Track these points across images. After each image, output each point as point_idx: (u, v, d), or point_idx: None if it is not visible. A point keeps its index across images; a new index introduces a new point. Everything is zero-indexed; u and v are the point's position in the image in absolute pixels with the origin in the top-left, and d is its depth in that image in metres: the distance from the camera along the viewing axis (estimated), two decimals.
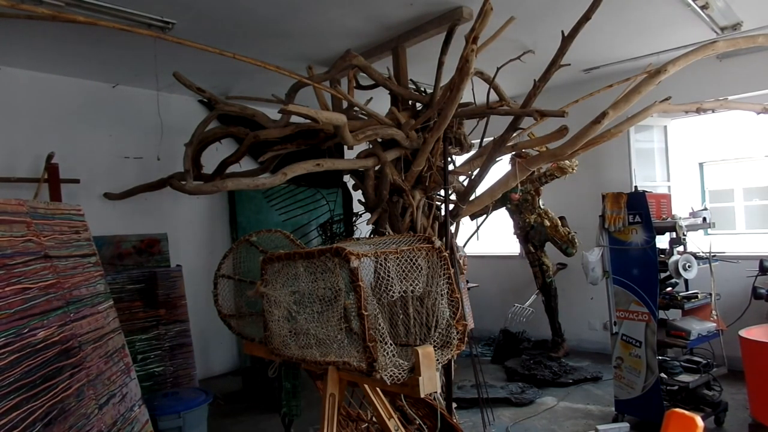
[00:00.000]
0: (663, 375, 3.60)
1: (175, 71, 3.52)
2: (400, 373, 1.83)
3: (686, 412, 1.29)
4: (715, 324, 3.70)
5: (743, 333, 3.36)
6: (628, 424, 3.66)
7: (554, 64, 3.01)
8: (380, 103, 4.05)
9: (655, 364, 3.54)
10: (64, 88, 4.75)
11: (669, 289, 3.79)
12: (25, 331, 1.97)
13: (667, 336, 3.64)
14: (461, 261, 3.68)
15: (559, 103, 3.52)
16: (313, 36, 4.05)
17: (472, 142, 3.96)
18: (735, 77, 4.79)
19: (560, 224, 5.41)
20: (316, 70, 4.19)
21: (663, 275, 3.71)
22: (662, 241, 3.82)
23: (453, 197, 3.73)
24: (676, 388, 3.60)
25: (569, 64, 3.20)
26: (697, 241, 3.92)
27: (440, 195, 3.75)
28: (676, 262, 3.61)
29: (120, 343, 2.72)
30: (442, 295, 2.01)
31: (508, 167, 4.00)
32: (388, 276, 1.91)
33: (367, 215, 3.82)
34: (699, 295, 3.77)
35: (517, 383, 4.69)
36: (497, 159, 3.65)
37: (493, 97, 3.81)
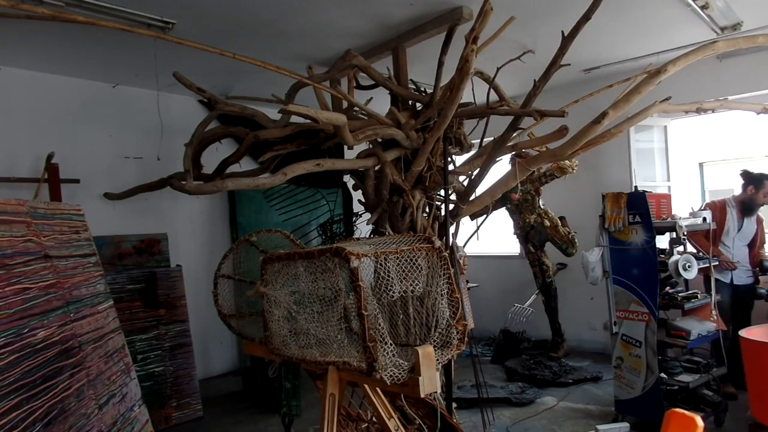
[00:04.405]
0: (663, 375, 3.60)
1: (175, 71, 3.52)
2: (400, 373, 1.83)
3: (686, 412, 1.29)
4: (715, 324, 3.70)
5: (743, 333, 3.36)
6: (628, 424, 3.65)
7: (554, 64, 3.01)
8: (380, 103, 4.05)
9: (655, 364, 3.54)
10: (64, 88, 4.75)
11: (669, 289, 3.79)
12: (25, 331, 1.97)
13: (667, 336, 3.64)
14: (461, 261, 3.68)
15: (559, 103, 3.52)
16: (313, 36, 4.05)
17: (472, 142, 3.95)
18: (735, 77, 4.79)
19: (560, 224, 5.42)
20: (316, 70, 4.19)
21: (663, 275, 3.72)
22: (662, 241, 3.82)
23: (453, 197, 3.73)
24: (676, 388, 3.61)
25: (569, 64, 3.20)
26: None
27: (440, 195, 3.75)
28: (676, 262, 3.62)
29: (120, 343, 2.72)
30: (442, 295, 2.01)
31: (508, 167, 4.00)
32: (388, 276, 1.91)
33: (367, 215, 3.82)
34: (699, 295, 3.78)
35: (517, 383, 4.69)
36: (497, 159, 3.65)
37: (493, 97, 3.81)
